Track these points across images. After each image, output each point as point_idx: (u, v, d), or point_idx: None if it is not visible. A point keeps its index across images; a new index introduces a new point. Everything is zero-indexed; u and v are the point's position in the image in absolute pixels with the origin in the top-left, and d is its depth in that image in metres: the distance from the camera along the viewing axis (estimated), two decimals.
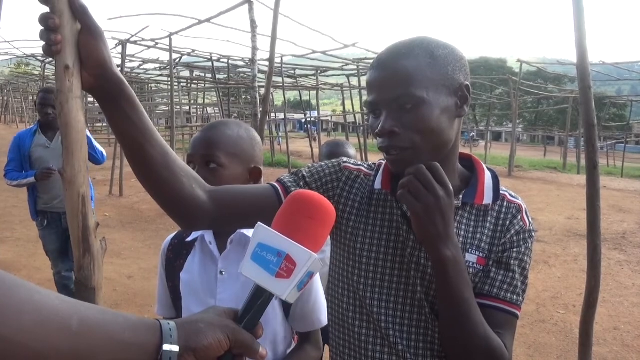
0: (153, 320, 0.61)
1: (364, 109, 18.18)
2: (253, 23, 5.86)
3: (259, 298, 0.68)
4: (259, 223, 0.69)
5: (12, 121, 31.45)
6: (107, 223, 7.37)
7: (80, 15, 0.85)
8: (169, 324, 0.61)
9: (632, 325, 4.28)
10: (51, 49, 0.83)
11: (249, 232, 1.27)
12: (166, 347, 0.59)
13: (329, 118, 29.16)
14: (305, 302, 1.35)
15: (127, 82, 0.89)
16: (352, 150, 2.40)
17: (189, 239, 1.38)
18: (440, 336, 0.99)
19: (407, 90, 0.91)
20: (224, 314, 0.67)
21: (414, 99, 0.91)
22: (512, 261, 0.99)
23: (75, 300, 0.56)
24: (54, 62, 0.85)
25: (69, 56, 0.83)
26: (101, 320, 0.56)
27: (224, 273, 1.30)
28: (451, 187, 0.89)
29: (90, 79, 0.87)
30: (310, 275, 0.68)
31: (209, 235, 1.34)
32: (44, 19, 0.82)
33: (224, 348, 0.63)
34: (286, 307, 1.35)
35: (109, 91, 0.88)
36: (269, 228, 0.68)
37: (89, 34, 0.85)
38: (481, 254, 0.99)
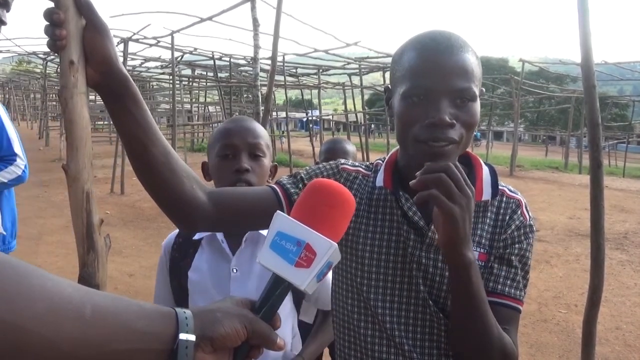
0: (169, 308, 0.60)
1: (366, 107, 18.20)
2: (255, 21, 5.84)
3: (277, 288, 0.67)
4: (278, 211, 0.68)
5: (14, 119, 31.46)
6: (108, 221, 7.37)
7: (85, 10, 0.84)
8: (185, 312, 0.60)
9: (634, 325, 4.27)
10: (56, 44, 0.82)
11: (264, 231, 1.28)
12: (182, 336, 0.57)
13: (331, 117, 29.14)
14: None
15: (132, 80, 0.89)
16: (350, 147, 2.41)
17: (195, 238, 1.38)
18: (452, 338, 0.98)
19: (470, 84, 0.90)
20: (241, 303, 0.66)
21: (472, 95, 0.90)
22: (513, 257, 0.98)
23: (89, 288, 0.56)
24: (55, 60, 0.85)
25: (73, 52, 0.83)
26: (115, 308, 0.55)
27: (236, 271, 1.30)
28: (473, 189, 0.86)
29: (95, 76, 0.86)
30: (329, 266, 0.67)
31: (220, 234, 1.34)
32: (48, 14, 0.82)
33: (241, 338, 0.62)
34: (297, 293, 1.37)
35: (114, 88, 0.87)
36: (289, 217, 0.67)
37: (94, 30, 0.85)
38: (482, 250, 0.98)
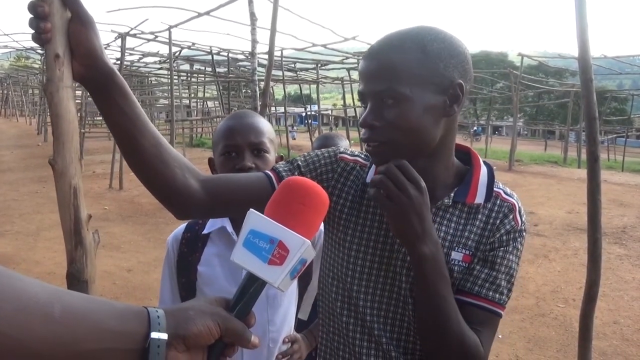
0: (140, 307, 0.60)
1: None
2: (253, 16, 5.81)
3: (251, 286, 0.66)
4: (250, 209, 0.68)
5: (12, 115, 31.46)
6: (106, 216, 7.37)
7: (70, 3, 0.84)
8: (157, 311, 0.59)
9: (632, 319, 4.28)
10: (41, 37, 0.82)
11: None
12: (154, 334, 0.57)
13: (330, 112, 29.08)
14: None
15: (118, 72, 0.88)
16: (343, 142, 2.39)
17: (204, 232, 1.39)
18: (416, 332, 0.99)
19: (390, 85, 0.89)
20: (215, 302, 0.66)
21: (395, 95, 0.89)
22: (497, 260, 0.97)
23: (59, 287, 0.55)
24: None
25: (59, 45, 0.82)
26: (85, 308, 0.54)
27: None
28: (423, 184, 0.88)
29: (80, 69, 0.85)
30: (303, 263, 0.66)
31: (229, 226, 1.36)
32: (33, 7, 0.81)
33: (215, 336, 0.62)
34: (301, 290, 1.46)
35: (100, 81, 0.86)
36: (261, 214, 0.67)
37: (79, 23, 0.84)
38: (467, 252, 0.97)
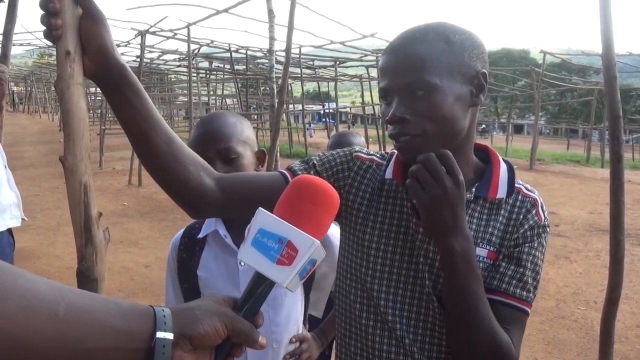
0: (146, 306, 0.59)
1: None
2: (271, 13, 5.82)
3: (259, 286, 0.66)
4: (259, 208, 0.67)
5: (35, 111, 32.09)
6: (125, 212, 7.46)
7: None
8: (163, 310, 0.59)
9: None
10: (52, 34, 0.82)
11: None
12: (160, 334, 0.56)
13: (348, 110, 29.05)
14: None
15: (129, 69, 0.87)
16: (357, 139, 2.39)
17: (200, 236, 1.36)
18: (445, 330, 0.96)
19: (420, 76, 0.88)
20: (223, 301, 0.65)
21: (426, 85, 0.88)
22: (523, 256, 0.95)
23: (64, 285, 0.54)
24: None
25: (70, 41, 0.82)
26: (90, 306, 0.54)
27: (243, 263, 1.30)
28: (462, 178, 0.85)
29: (91, 66, 0.85)
30: (313, 263, 0.65)
31: (222, 229, 1.33)
32: (44, 3, 0.81)
33: (222, 336, 0.61)
34: (307, 291, 1.43)
35: (111, 78, 0.86)
36: (270, 213, 0.66)
37: (90, 19, 0.84)
38: (492, 248, 0.96)
